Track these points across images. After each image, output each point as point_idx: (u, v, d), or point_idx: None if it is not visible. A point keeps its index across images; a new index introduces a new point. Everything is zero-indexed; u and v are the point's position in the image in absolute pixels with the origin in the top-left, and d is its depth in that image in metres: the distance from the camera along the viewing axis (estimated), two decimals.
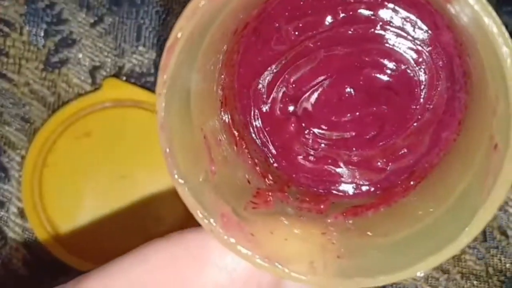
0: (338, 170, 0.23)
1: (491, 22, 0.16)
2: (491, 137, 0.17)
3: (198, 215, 0.20)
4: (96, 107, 0.36)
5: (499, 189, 0.17)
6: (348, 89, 0.23)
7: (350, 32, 0.22)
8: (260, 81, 0.23)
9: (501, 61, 0.16)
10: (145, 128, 0.36)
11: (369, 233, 0.20)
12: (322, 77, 0.23)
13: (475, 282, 0.36)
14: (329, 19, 0.22)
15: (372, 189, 0.23)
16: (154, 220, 0.35)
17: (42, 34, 0.38)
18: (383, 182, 0.22)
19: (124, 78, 0.38)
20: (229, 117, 0.23)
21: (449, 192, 0.19)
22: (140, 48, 0.38)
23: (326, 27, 0.22)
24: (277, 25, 0.22)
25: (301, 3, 0.22)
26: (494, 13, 0.17)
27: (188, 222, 0.35)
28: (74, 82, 0.38)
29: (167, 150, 0.20)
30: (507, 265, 0.36)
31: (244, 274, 0.22)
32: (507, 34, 0.17)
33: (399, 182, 0.22)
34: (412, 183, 0.22)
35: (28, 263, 0.36)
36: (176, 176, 0.20)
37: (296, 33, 0.22)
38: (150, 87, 0.38)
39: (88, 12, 0.38)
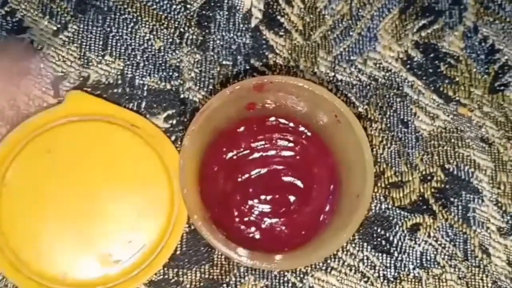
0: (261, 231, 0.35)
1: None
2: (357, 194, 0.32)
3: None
4: (59, 121, 0.34)
5: (361, 211, 0.31)
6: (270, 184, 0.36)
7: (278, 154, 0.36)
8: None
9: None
10: (112, 144, 0.34)
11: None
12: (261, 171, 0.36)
13: None
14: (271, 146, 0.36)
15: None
16: (122, 243, 0.33)
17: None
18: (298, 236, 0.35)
19: (90, 89, 0.36)
20: None
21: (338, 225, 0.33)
22: (107, 57, 0.36)
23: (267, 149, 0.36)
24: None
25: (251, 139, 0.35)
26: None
27: (158, 244, 0.33)
28: (35, 94, 0.35)
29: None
30: (489, 284, 0.35)
31: None
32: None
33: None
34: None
35: None
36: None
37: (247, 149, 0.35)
38: (117, 100, 0.36)
39: (51, 20, 0.36)
